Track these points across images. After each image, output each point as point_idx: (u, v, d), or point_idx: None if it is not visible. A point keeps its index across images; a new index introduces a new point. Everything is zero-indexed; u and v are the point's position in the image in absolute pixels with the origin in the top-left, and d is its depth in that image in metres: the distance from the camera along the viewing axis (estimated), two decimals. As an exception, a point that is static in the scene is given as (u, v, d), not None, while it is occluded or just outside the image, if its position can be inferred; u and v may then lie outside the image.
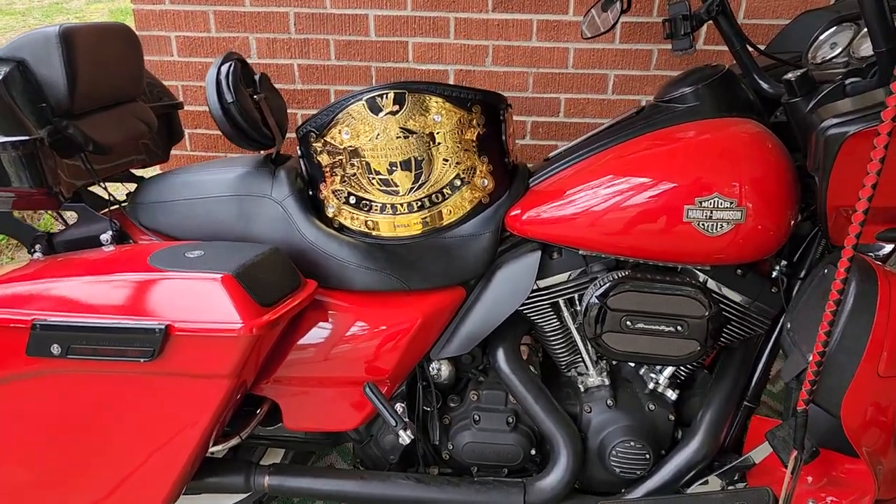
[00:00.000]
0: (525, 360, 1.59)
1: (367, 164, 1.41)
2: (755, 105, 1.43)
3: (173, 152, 2.26)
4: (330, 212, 1.49)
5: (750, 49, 1.44)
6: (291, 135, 2.33)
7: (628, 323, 1.40)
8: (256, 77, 1.61)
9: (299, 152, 1.51)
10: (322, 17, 2.16)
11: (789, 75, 1.31)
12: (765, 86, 1.44)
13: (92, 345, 1.25)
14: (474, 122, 1.42)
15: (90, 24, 1.43)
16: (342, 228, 1.48)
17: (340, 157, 1.43)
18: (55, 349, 1.26)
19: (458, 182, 1.43)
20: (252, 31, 2.19)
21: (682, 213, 1.33)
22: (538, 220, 1.44)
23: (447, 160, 1.41)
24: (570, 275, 1.51)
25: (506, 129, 1.48)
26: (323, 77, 2.23)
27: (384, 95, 1.37)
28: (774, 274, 1.46)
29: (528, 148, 2.28)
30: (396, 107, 1.38)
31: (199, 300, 1.25)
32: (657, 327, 1.40)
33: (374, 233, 1.46)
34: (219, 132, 1.53)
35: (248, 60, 2.20)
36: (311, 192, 1.52)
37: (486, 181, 1.45)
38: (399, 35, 2.16)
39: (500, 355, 1.54)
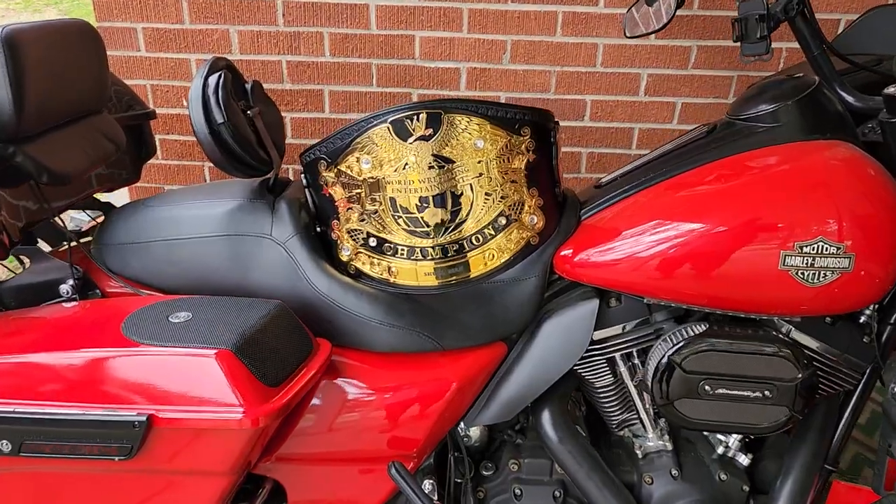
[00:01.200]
0: (569, 408, 1.36)
1: (392, 199, 1.15)
2: (848, 123, 1.20)
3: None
4: (345, 255, 1.23)
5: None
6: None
7: (707, 388, 1.17)
8: (248, 86, 1.33)
9: (304, 181, 1.24)
10: (315, 6, 1.87)
11: (891, 89, 1.08)
12: (850, 99, 1.21)
13: (52, 440, 0.98)
14: (523, 147, 1.16)
15: (40, 23, 1.13)
16: (359, 275, 1.22)
17: (358, 191, 1.17)
18: (4, 446, 0.99)
19: (502, 221, 1.18)
20: (233, 22, 1.89)
21: (777, 260, 1.10)
22: (593, 262, 1.20)
23: (490, 195, 1.16)
24: (629, 325, 1.27)
25: (556, 154, 1.23)
26: (316, 75, 1.94)
27: (415, 117, 1.11)
28: (863, 320, 1.24)
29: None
30: (430, 130, 1.12)
31: (189, 382, 0.99)
32: (741, 392, 1.18)
33: (398, 281, 1.20)
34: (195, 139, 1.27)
35: (229, 57, 1.91)
36: (319, 229, 1.26)
37: (535, 218, 1.20)
38: (404, 28, 1.89)
39: (546, 419, 1.31)
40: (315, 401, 1.19)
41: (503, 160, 1.15)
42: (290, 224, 1.22)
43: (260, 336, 1.04)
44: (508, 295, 1.22)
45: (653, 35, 1.71)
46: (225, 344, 0.99)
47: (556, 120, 1.23)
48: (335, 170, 1.17)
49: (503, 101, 1.93)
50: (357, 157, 1.15)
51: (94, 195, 1.41)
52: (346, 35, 1.90)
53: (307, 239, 1.22)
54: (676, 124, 1.98)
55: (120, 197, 1.60)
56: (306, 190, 1.24)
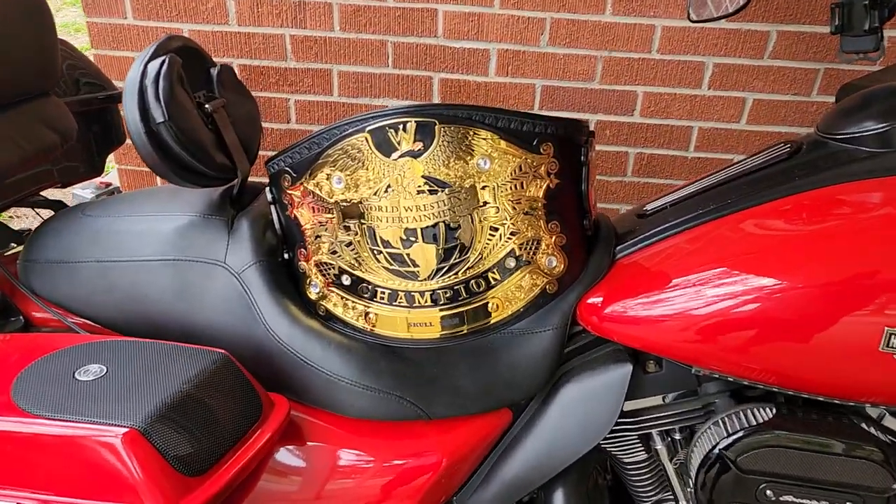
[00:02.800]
0: (591, 484, 1.10)
1: (371, 230, 0.90)
2: None
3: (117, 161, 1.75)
4: (313, 292, 0.98)
5: None
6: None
7: (769, 493, 0.90)
8: (214, 71, 1.08)
9: (269, 196, 0.99)
10: (323, -28, 1.61)
11: None
12: None
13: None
14: (542, 169, 0.89)
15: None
16: (330, 318, 0.98)
17: (329, 216, 0.91)
18: None
19: (511, 262, 0.91)
20: (231, -12, 1.64)
21: (879, 339, 0.82)
22: (630, 316, 0.93)
23: (496, 229, 0.89)
24: (671, 397, 1.01)
25: (588, 177, 0.95)
26: (323, 53, 1.68)
27: (401, 126, 0.85)
28: None
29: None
30: (420, 144, 0.85)
31: (86, 471, 0.76)
32: (815, 502, 0.90)
33: (377, 330, 0.95)
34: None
35: (226, 29, 1.67)
36: (286, 255, 1.01)
37: (553, 260, 0.93)
38: (425, 1, 1.61)
39: (560, 501, 1.05)
40: (268, 473, 0.96)
41: (516, 186, 0.88)
42: (249, 248, 0.98)
43: (189, 404, 0.81)
44: (516, 351, 0.96)
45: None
46: (136, 420, 0.76)
47: (590, 131, 0.95)
48: (301, 187, 0.92)
49: (538, 91, 1.64)
50: (328, 174, 0.89)
51: (42, 193, 1.20)
52: (358, 7, 1.63)
53: (268, 269, 0.98)
54: (745, 125, 1.66)
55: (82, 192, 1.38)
56: (272, 207, 1.00)
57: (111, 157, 1.36)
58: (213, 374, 0.86)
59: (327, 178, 0.89)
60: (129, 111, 0.92)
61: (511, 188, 0.88)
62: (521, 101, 1.67)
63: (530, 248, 0.91)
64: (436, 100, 1.68)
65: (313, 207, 0.92)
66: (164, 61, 0.93)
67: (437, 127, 0.85)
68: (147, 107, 0.91)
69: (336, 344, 0.95)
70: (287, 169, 0.93)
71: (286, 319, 0.95)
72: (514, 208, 0.89)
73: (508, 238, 0.90)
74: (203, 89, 1.06)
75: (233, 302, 0.97)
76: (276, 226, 1.00)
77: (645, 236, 0.98)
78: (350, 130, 0.87)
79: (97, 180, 1.38)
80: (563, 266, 0.94)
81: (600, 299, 0.96)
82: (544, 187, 0.90)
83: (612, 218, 1.06)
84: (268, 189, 0.99)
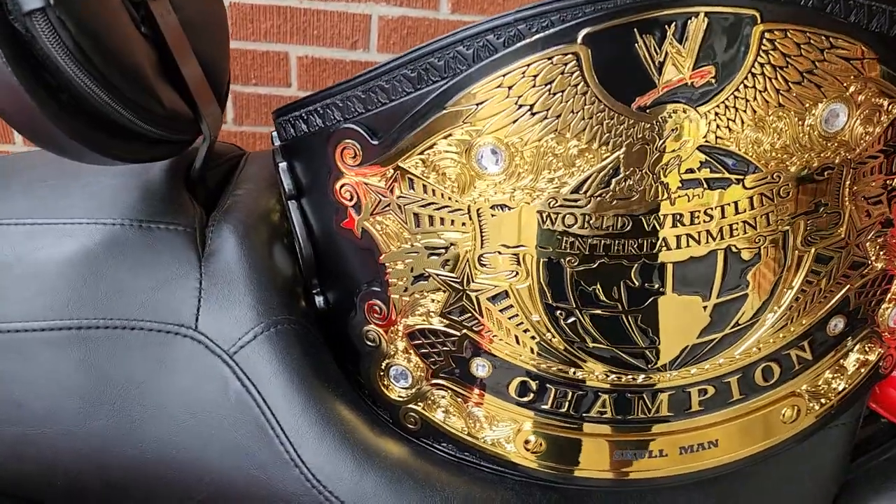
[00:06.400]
0: None
1: (556, 266, 0.39)
2: None
3: None
4: (397, 389, 0.47)
5: None
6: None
7: None
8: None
9: (286, 184, 0.46)
10: None
11: None
12: None
13: None
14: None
15: None
16: (432, 436, 0.47)
17: (463, 234, 0.40)
18: None
19: (837, 324, 0.44)
20: None
21: None
22: None
23: (827, 260, 0.41)
24: None
25: None
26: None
27: (673, 23, 0.34)
28: None
29: None
30: (709, 71, 0.35)
31: None
32: None
33: (548, 465, 0.46)
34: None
35: None
36: (323, 300, 0.49)
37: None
38: None
39: None
40: None
41: (882, 167, 0.41)
42: (248, 295, 0.46)
43: None
44: (778, 476, 0.50)
45: None
46: None
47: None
48: (386, 169, 0.40)
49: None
50: (464, 141, 0.38)
51: None
52: None
53: (295, 339, 0.46)
54: None
55: None
56: (290, 204, 0.47)
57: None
58: None
59: (463, 150, 0.38)
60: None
61: (870, 173, 0.40)
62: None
63: (874, 295, 0.44)
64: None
65: (417, 215, 0.40)
66: None
67: (757, 29, 0.35)
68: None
69: (462, 497, 0.45)
70: (353, 126, 0.40)
71: (349, 452, 0.44)
72: (866, 215, 0.41)
73: (843, 278, 0.42)
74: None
75: (219, 417, 0.45)
76: (300, 243, 0.48)
77: None
78: (532, 37, 0.35)
79: None
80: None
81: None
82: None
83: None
84: (284, 167, 0.46)
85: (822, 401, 0.46)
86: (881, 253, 0.43)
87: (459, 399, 0.45)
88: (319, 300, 0.49)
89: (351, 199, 0.42)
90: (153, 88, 0.45)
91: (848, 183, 0.40)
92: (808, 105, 0.37)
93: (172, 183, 0.51)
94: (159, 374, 0.45)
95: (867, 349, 0.46)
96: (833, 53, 0.36)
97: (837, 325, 0.43)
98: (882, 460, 0.56)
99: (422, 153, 0.39)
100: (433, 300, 0.42)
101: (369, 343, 0.46)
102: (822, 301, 0.42)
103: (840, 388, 0.46)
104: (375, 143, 0.40)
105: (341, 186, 0.42)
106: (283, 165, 0.46)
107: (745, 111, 0.36)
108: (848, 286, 0.42)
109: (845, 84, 0.37)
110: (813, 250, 0.40)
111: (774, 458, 0.50)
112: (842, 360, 0.45)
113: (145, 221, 0.47)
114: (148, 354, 0.45)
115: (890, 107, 0.39)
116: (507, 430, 0.45)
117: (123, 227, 0.47)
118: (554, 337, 0.41)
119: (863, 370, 0.46)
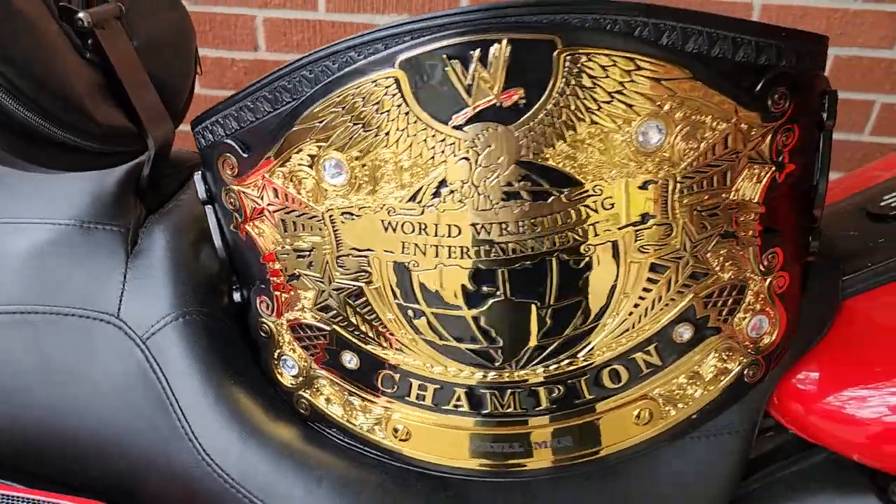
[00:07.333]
0: None
1: (404, 270, 0.43)
2: None
3: None
4: (287, 375, 0.52)
5: None
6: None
7: None
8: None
9: (201, 189, 0.52)
10: None
11: None
12: None
13: None
14: (768, 144, 0.43)
15: None
16: (321, 421, 0.52)
17: (318, 238, 0.45)
18: None
19: (685, 332, 0.46)
20: None
21: None
22: (866, 412, 0.50)
23: (662, 269, 0.43)
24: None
25: (826, 156, 0.48)
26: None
27: (478, 49, 0.38)
28: None
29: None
30: (518, 93, 0.38)
31: None
32: None
33: (411, 452, 0.50)
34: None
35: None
36: (238, 295, 0.55)
37: (765, 322, 0.48)
38: None
39: None
40: None
41: (711, 181, 0.42)
42: (164, 287, 0.52)
43: None
44: (666, 470, 0.52)
45: None
46: None
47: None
48: (259, 179, 0.45)
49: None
50: (314, 155, 0.42)
51: None
52: None
53: (201, 330, 0.52)
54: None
55: None
56: (207, 209, 0.53)
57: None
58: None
59: (313, 163, 0.43)
60: None
61: (700, 186, 0.42)
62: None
63: (724, 304, 0.46)
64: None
65: (284, 220, 0.45)
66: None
67: (557, 53, 0.38)
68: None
69: (334, 478, 0.50)
70: (230, 141, 0.45)
71: (237, 431, 0.50)
72: (702, 227, 0.43)
73: (683, 287, 0.44)
74: (81, -10, 0.57)
75: (132, 394, 0.51)
76: (217, 244, 0.54)
77: (891, 263, 0.53)
78: (360, 63, 0.40)
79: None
80: (777, 332, 0.48)
81: (814, 377, 0.52)
82: (766, 181, 0.43)
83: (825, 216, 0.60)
84: (198, 176, 0.52)
85: (680, 405, 0.47)
86: (726, 264, 0.44)
87: (336, 388, 0.50)
88: (237, 296, 0.55)
89: (234, 207, 0.48)
90: (87, 109, 0.52)
91: (676, 196, 0.41)
92: (620, 123, 0.39)
93: (121, 188, 0.58)
94: (89, 354, 0.52)
95: (725, 357, 0.47)
96: (641, 75, 0.38)
97: (684, 332, 0.45)
98: (788, 473, 0.57)
99: (282, 166, 0.44)
100: (305, 297, 0.47)
101: (263, 334, 0.52)
102: (663, 308, 0.44)
103: (697, 394, 0.47)
104: (247, 156, 0.45)
105: (227, 195, 0.48)
106: (197, 175, 0.52)
107: (557, 129, 0.39)
108: (691, 295, 0.44)
109: (658, 103, 0.39)
110: (647, 260, 0.43)
111: (666, 460, 0.52)
112: (696, 368, 0.47)
113: (87, 222, 0.55)
114: (80, 337, 0.52)
115: (714, 123, 0.40)
116: (378, 418, 0.49)
117: (68, 227, 0.54)
118: (408, 334, 0.45)
119: (722, 378, 0.47)
